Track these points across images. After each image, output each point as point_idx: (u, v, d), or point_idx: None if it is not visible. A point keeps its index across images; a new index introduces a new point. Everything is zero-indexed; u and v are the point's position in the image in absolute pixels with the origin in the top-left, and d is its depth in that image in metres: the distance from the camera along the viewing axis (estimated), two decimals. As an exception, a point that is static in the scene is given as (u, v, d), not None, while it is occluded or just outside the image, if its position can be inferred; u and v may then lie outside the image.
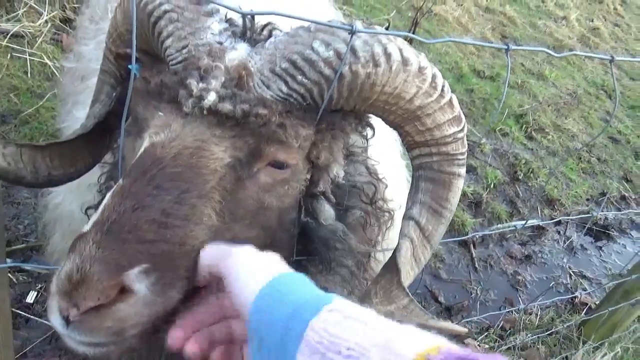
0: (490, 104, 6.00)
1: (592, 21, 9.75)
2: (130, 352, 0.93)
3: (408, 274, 1.19)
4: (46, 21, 4.39)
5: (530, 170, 5.22)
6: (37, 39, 4.26)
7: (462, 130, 1.14)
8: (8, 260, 2.71)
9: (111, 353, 0.88)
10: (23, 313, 2.69)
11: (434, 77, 1.07)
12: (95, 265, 0.81)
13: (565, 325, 3.58)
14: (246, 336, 0.89)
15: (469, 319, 3.44)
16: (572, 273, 4.31)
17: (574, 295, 3.94)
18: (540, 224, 4.48)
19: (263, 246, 0.92)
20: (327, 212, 1.23)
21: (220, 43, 1.05)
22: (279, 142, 1.01)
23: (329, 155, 1.13)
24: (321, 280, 1.27)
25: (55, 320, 0.84)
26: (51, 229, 2.09)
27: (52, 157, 1.30)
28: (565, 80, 7.36)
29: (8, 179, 1.24)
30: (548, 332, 3.48)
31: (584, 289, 4.12)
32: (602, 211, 4.94)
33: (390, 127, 1.15)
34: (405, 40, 1.08)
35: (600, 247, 4.72)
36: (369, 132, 1.26)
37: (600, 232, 4.85)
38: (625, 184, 5.70)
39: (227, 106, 0.97)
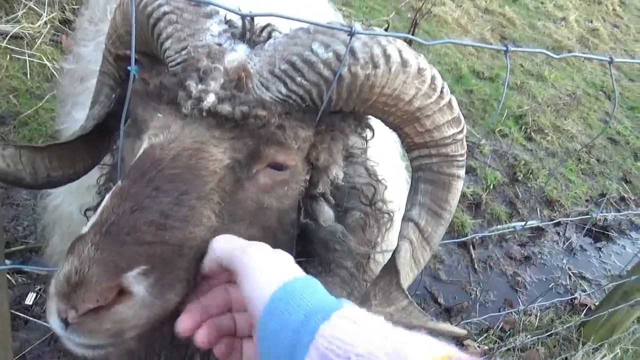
0: (489, 105, 6.00)
1: (591, 22, 9.77)
2: (129, 353, 0.93)
3: (407, 275, 1.19)
4: (45, 22, 4.39)
5: (530, 171, 5.22)
6: (36, 40, 4.26)
7: (461, 131, 1.14)
8: (7, 261, 2.71)
9: (110, 355, 0.88)
10: (22, 315, 2.69)
11: (433, 78, 1.07)
12: (94, 267, 0.81)
13: (564, 327, 3.58)
14: (248, 331, 0.90)
15: (469, 320, 3.44)
16: (571, 274, 4.31)
17: (573, 296, 3.94)
18: (540, 225, 4.48)
19: None
20: (326, 213, 1.23)
21: (220, 44, 1.05)
22: (278, 144, 1.01)
23: (328, 157, 1.13)
24: (320, 281, 1.27)
25: (53, 322, 0.83)
26: (50, 231, 2.09)
27: (51, 158, 1.30)
28: (565, 81, 7.37)
29: (7, 180, 1.24)
30: (548, 333, 3.48)
31: (584, 290, 4.12)
32: (602, 212, 4.95)
33: (390, 128, 1.15)
34: (405, 41, 1.08)
35: (600, 248, 4.72)
36: (368, 133, 1.26)
37: (599, 233, 4.85)
38: (625, 185, 5.70)
39: (226, 108, 0.97)
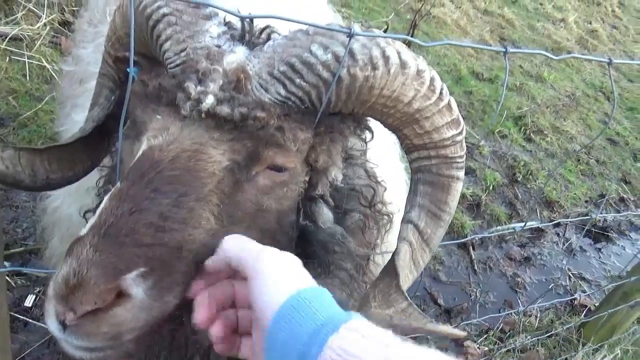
0: (489, 106, 6.01)
1: (590, 23, 9.78)
2: (127, 356, 0.92)
3: (407, 277, 1.19)
4: (45, 24, 4.39)
5: (529, 172, 5.22)
6: (35, 42, 4.26)
7: (460, 133, 1.14)
8: (6, 263, 2.70)
9: (108, 357, 0.88)
10: (21, 317, 2.69)
11: (432, 80, 1.07)
12: (92, 269, 0.80)
13: (564, 327, 3.58)
14: (248, 328, 0.89)
15: (469, 322, 3.43)
16: (571, 275, 4.31)
17: (573, 297, 3.94)
18: (540, 225, 4.48)
19: None
20: (325, 215, 1.23)
21: (219, 46, 1.05)
22: (277, 146, 1.01)
23: (327, 159, 1.13)
24: (320, 283, 1.26)
25: (51, 325, 0.83)
26: (50, 233, 2.09)
27: (50, 160, 1.30)
28: (564, 82, 7.38)
29: (6, 182, 1.24)
30: (547, 334, 3.48)
31: (583, 291, 4.12)
32: (601, 213, 4.95)
33: (389, 130, 1.15)
34: (404, 43, 1.08)
35: (599, 249, 4.72)
36: (367, 135, 1.26)
37: (599, 234, 4.85)
38: (624, 185, 5.71)
39: (225, 109, 0.97)
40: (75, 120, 1.93)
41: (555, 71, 7.49)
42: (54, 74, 4.07)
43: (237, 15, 1.07)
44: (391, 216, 1.42)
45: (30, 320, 2.70)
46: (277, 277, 0.82)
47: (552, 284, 4.14)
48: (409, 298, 1.15)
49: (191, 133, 0.98)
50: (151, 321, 0.86)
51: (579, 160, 5.87)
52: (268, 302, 0.79)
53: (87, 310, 0.80)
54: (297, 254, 1.23)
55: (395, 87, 1.03)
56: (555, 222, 4.10)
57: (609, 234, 4.88)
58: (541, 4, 9.70)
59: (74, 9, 4.55)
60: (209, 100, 0.96)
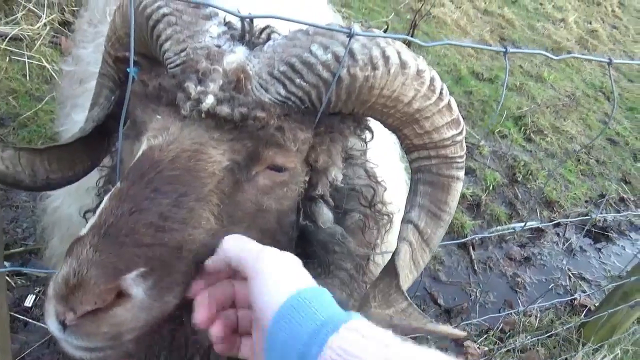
0: (488, 106, 6.01)
1: (590, 23, 9.78)
2: (127, 356, 0.92)
3: (407, 277, 1.19)
4: (45, 24, 4.39)
5: (529, 172, 5.22)
6: (35, 42, 4.26)
7: (460, 133, 1.14)
8: (6, 263, 2.70)
9: (108, 357, 0.88)
10: (21, 317, 2.69)
11: (432, 80, 1.07)
12: (92, 269, 0.80)
13: (564, 328, 3.58)
14: (248, 328, 0.90)
15: (469, 322, 3.43)
16: (571, 275, 4.31)
17: (573, 297, 3.94)
18: (540, 226, 4.48)
19: None
20: (325, 215, 1.23)
21: (219, 46, 1.05)
22: (277, 146, 1.01)
23: (327, 159, 1.13)
24: (320, 283, 1.26)
25: (51, 325, 0.83)
26: (50, 233, 2.09)
27: (50, 160, 1.30)
28: (564, 82, 7.38)
29: (6, 182, 1.24)
30: (548, 334, 3.48)
31: (583, 291, 4.12)
32: (601, 213, 4.95)
33: (389, 130, 1.15)
34: (404, 43, 1.08)
35: (599, 249, 4.72)
36: (367, 135, 1.26)
37: (599, 234, 4.86)
38: (624, 185, 5.71)
39: (225, 109, 0.97)
40: (75, 120, 1.93)
41: (555, 71, 7.50)
42: (54, 74, 4.08)
43: (237, 15, 1.07)
44: (391, 216, 1.42)
45: (30, 320, 2.70)
46: (277, 277, 0.82)
47: (552, 284, 4.14)
48: (409, 298, 1.15)
49: (191, 133, 0.97)
50: (151, 321, 0.86)
51: (579, 160, 5.87)
52: (268, 302, 0.79)
53: (87, 310, 0.80)
54: (297, 254, 1.23)
55: (395, 87, 1.03)
56: (555, 222, 4.10)
57: (609, 234, 4.88)
58: (541, 4, 9.70)
59: (74, 9, 4.55)
60: (209, 100, 0.96)
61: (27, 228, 3.14)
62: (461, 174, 1.19)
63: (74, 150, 1.34)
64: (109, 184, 1.36)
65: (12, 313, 2.55)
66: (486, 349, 3.34)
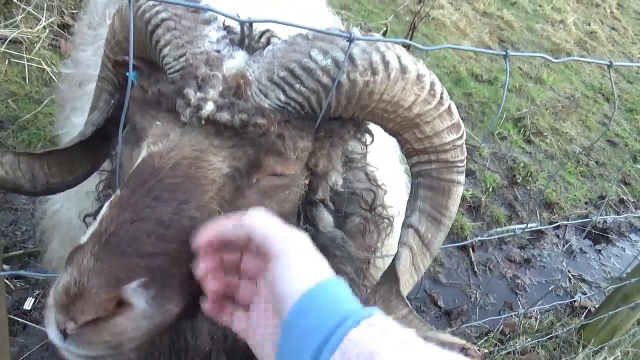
0: (488, 108, 6.01)
1: (589, 25, 9.78)
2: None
3: (407, 282, 1.18)
4: (44, 27, 4.38)
5: (529, 173, 5.22)
6: (35, 44, 4.26)
7: (461, 137, 1.14)
8: (5, 267, 2.70)
9: (109, 366, 0.87)
10: (20, 320, 2.68)
11: (432, 84, 1.07)
12: (93, 278, 0.80)
13: (565, 329, 3.57)
14: (247, 301, 0.90)
15: (469, 324, 3.43)
16: (571, 277, 4.31)
17: (573, 299, 3.93)
18: (540, 228, 4.48)
19: None
20: (325, 219, 1.23)
21: (218, 51, 1.05)
22: (277, 154, 1.01)
23: (327, 163, 1.13)
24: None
25: (52, 333, 0.83)
26: (49, 236, 2.08)
27: (50, 165, 1.30)
28: (563, 84, 7.38)
29: (6, 187, 1.24)
30: (548, 336, 3.47)
31: (584, 293, 4.12)
32: (601, 215, 4.94)
33: (389, 134, 1.15)
34: (403, 46, 1.08)
35: (599, 251, 4.72)
36: (367, 138, 1.26)
37: (599, 236, 4.85)
38: (624, 187, 5.71)
39: (225, 116, 0.96)
40: (74, 123, 1.93)
41: (554, 73, 7.50)
42: (53, 77, 4.07)
43: (236, 19, 1.07)
44: (391, 220, 1.42)
45: (29, 323, 2.69)
46: (302, 265, 0.81)
47: (552, 286, 4.14)
48: (409, 304, 1.15)
49: (191, 140, 0.97)
50: (152, 330, 0.86)
51: (578, 161, 5.87)
52: (289, 290, 0.78)
53: (88, 320, 0.80)
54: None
55: (395, 92, 1.03)
56: (555, 224, 4.10)
57: (609, 235, 4.88)
58: (540, 6, 9.70)
59: (73, 11, 4.55)
60: (209, 107, 0.96)
61: (27, 231, 3.13)
62: (462, 178, 1.18)
63: (73, 155, 1.34)
64: (108, 189, 1.36)
65: (11, 316, 2.54)
66: (486, 351, 3.33)
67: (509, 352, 3.35)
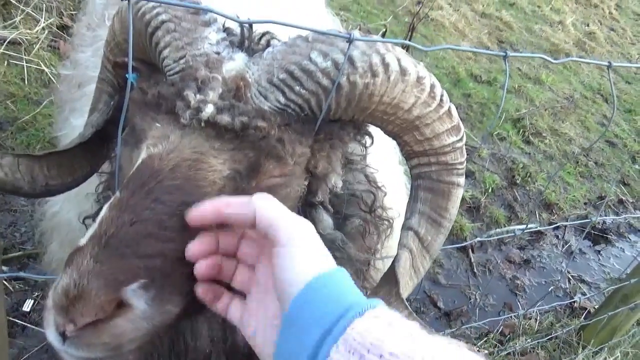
0: (487, 109, 6.01)
1: (588, 25, 9.80)
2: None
3: (407, 284, 1.18)
4: (43, 28, 4.38)
5: (528, 174, 5.23)
6: (34, 45, 4.25)
7: (460, 139, 1.14)
8: (4, 268, 2.70)
9: (108, 368, 0.87)
10: (19, 322, 2.68)
11: (432, 86, 1.07)
12: (93, 280, 0.80)
13: (564, 330, 3.57)
14: (244, 288, 0.90)
15: (469, 325, 3.43)
16: (570, 277, 4.31)
17: (573, 299, 3.94)
18: (540, 229, 4.48)
19: None
20: (325, 221, 1.23)
21: (218, 53, 1.05)
22: (277, 158, 1.00)
23: (327, 165, 1.13)
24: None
25: (51, 335, 0.82)
26: (48, 238, 2.08)
27: (49, 167, 1.30)
28: (562, 85, 7.39)
29: (5, 189, 1.24)
30: (548, 337, 3.48)
31: (583, 294, 4.12)
32: (600, 215, 4.95)
33: (389, 136, 1.15)
34: (402, 47, 1.08)
35: (599, 251, 4.72)
36: (367, 140, 1.26)
37: (598, 236, 4.86)
38: (623, 187, 5.71)
39: (225, 118, 0.96)
40: (73, 124, 1.92)
41: (553, 73, 7.51)
42: (52, 78, 4.07)
43: (236, 21, 1.07)
44: (391, 221, 1.42)
45: (28, 325, 2.68)
46: (307, 254, 0.80)
47: (552, 287, 4.14)
48: (409, 307, 1.15)
49: (191, 142, 0.97)
50: (152, 331, 0.86)
51: (577, 162, 5.87)
52: (292, 280, 0.77)
53: (88, 322, 0.80)
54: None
55: (395, 94, 1.03)
56: (555, 225, 4.10)
57: (608, 236, 4.89)
58: (539, 7, 9.71)
59: (73, 12, 4.55)
60: (209, 110, 0.96)
61: (26, 232, 3.13)
62: (461, 180, 1.18)
63: (73, 156, 1.33)
64: (108, 190, 1.35)
65: (10, 318, 2.54)
66: (486, 352, 3.33)
67: (508, 353, 3.35)
